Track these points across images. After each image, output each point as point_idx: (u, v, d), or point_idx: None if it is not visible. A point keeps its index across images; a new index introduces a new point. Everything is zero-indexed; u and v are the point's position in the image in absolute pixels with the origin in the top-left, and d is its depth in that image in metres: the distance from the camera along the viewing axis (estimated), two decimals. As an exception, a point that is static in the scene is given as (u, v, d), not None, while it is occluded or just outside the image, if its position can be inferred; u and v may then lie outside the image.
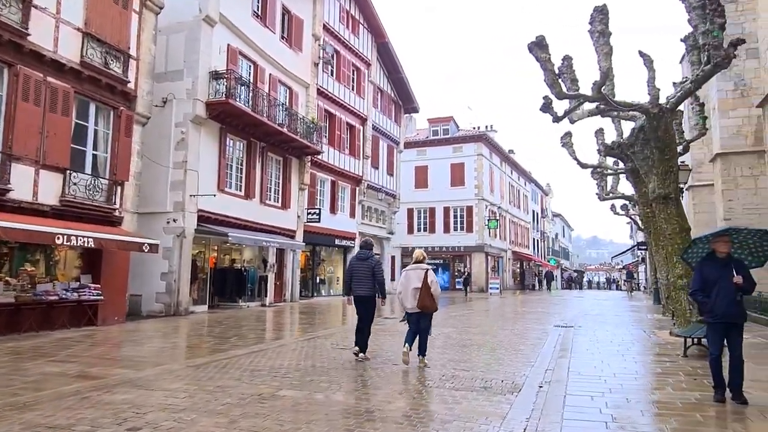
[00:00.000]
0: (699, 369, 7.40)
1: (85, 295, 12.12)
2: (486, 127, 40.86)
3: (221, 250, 20.86)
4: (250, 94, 18.40)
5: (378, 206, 30.76)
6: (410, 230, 38.47)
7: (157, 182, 16.04)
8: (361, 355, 7.96)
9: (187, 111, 16.22)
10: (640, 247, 36.92)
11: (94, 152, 12.82)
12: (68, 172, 11.82)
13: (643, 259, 48.57)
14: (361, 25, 27.89)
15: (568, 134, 18.84)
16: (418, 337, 7.59)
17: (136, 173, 13.95)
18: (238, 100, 17.48)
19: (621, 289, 48.81)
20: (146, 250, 12.84)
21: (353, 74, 27.24)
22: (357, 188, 27.53)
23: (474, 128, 40.15)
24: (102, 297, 12.43)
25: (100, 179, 12.76)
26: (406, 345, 7.49)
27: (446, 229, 37.58)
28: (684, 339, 8.54)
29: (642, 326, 13.89)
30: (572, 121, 12.42)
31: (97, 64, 12.45)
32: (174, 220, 15.93)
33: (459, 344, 10.09)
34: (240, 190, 18.77)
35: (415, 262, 7.70)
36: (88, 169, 12.61)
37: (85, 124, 12.58)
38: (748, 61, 17.32)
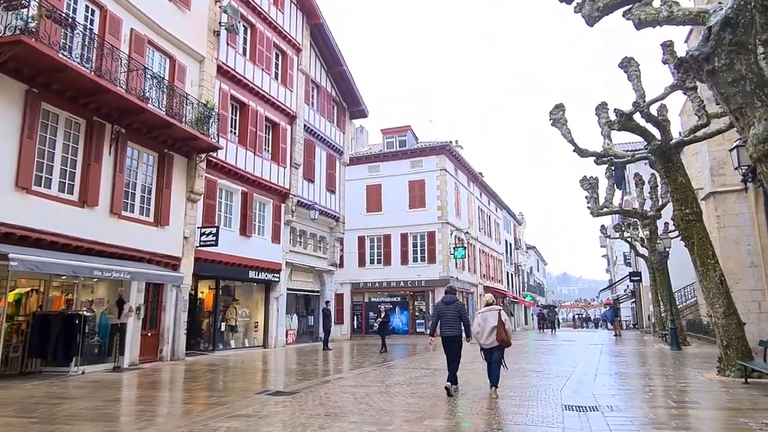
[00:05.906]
0: None
1: None
2: (450, 141, 35.18)
3: (60, 288, 14.18)
4: (90, 49, 12.25)
5: (316, 231, 24.43)
6: (361, 262, 31.92)
7: None
8: (454, 387, 8.58)
9: (-50, 53, 9.89)
10: (632, 278, 31.33)
11: None
12: None
13: (633, 292, 43.12)
14: (287, -1, 22.19)
15: (560, 107, 13.16)
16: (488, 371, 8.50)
17: None
18: (64, 53, 11.32)
19: (607, 329, 41.60)
20: None
21: (276, 58, 21.31)
22: (283, 205, 21.22)
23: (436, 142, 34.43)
24: None
25: None
26: (492, 387, 8.33)
27: (404, 260, 31.04)
28: None
29: (715, 402, 7.83)
30: (593, 16, 6.58)
31: None
32: None
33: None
34: (70, 193, 12.27)
35: (487, 305, 8.87)
36: None
37: None
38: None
